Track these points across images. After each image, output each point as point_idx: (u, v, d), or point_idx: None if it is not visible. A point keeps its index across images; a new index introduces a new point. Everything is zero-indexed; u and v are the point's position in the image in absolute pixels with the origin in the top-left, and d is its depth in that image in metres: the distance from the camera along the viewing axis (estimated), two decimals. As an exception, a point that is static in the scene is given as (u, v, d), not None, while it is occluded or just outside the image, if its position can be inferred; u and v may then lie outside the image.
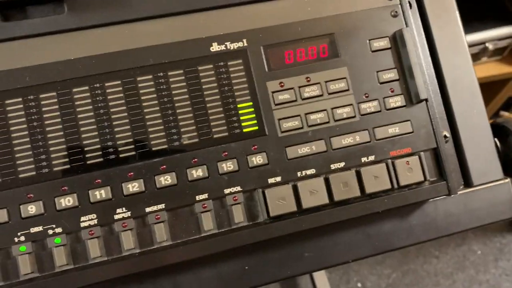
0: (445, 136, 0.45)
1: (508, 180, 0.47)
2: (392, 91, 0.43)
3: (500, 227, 1.59)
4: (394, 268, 1.50)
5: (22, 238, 0.37)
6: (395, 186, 0.42)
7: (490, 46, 1.25)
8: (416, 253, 1.52)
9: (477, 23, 1.22)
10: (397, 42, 0.44)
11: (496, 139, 0.48)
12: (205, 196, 0.40)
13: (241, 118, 0.41)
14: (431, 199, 0.45)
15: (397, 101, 0.43)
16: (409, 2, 0.45)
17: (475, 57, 1.28)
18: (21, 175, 0.38)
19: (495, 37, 1.23)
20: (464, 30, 0.48)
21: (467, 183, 0.47)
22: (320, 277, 1.38)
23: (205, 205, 0.40)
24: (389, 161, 0.42)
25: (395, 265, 1.51)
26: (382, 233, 0.45)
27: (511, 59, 1.32)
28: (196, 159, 0.40)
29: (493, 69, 1.31)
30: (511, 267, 1.52)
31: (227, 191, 0.40)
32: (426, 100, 0.43)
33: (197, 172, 0.40)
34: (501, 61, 1.32)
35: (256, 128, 0.41)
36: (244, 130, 0.41)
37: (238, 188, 0.40)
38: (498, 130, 0.49)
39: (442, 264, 1.52)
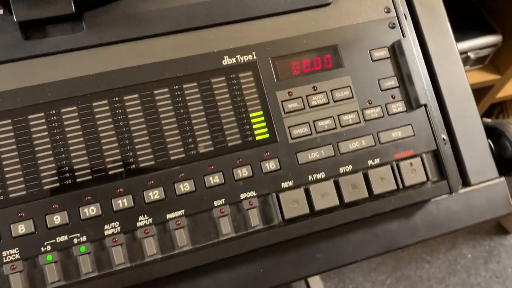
0: (443, 139, 0.48)
1: (503, 179, 0.50)
2: (393, 98, 0.46)
3: (488, 230, 1.64)
4: (388, 275, 1.53)
5: (49, 248, 0.39)
6: (400, 186, 0.45)
7: (472, 55, 1.30)
8: (409, 259, 1.55)
9: (459, 34, 1.27)
10: (396, 52, 0.47)
11: (489, 140, 0.51)
12: (222, 201, 0.42)
13: (253, 126, 0.44)
14: (433, 199, 0.48)
15: (398, 106, 0.46)
16: (404, 14, 0.49)
17: (458, 66, 1.33)
18: (45, 187, 0.39)
19: (476, 46, 1.28)
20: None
21: (465, 182, 0.49)
22: (317, 286, 1.39)
23: (223, 210, 0.42)
24: (394, 163, 0.45)
25: (389, 271, 1.53)
26: (388, 232, 0.48)
27: (492, 67, 1.38)
28: (212, 167, 0.42)
29: (476, 77, 1.36)
30: (501, 269, 1.56)
31: (243, 196, 0.42)
32: (426, 105, 0.46)
33: (214, 179, 0.42)
34: (483, 69, 1.38)
35: (268, 135, 0.44)
36: (257, 137, 0.43)
37: (253, 193, 0.42)
38: (491, 132, 0.52)
39: (434, 268, 1.55)
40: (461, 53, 1.27)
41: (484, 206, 0.50)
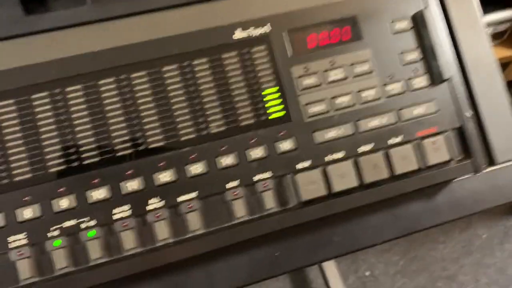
0: (468, 116, 0.45)
1: (530, 157, 0.48)
2: (416, 72, 0.44)
3: (504, 210, 1.61)
4: (401, 255, 1.51)
5: (56, 233, 0.37)
6: (423, 166, 0.42)
7: (489, 30, 1.25)
8: (422, 240, 1.53)
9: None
10: (418, 23, 0.44)
11: (516, 117, 0.48)
12: (235, 183, 0.40)
13: (267, 104, 0.41)
14: (457, 178, 0.45)
15: (421, 81, 0.43)
16: (426, -17, 0.45)
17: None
18: (51, 170, 0.38)
19: (494, 21, 1.23)
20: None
21: (491, 161, 0.47)
22: (330, 267, 1.38)
23: (236, 192, 0.40)
24: (416, 141, 0.42)
25: (402, 252, 1.52)
26: (409, 214, 0.46)
27: (511, 42, 1.33)
28: (224, 147, 0.40)
29: (494, 53, 1.31)
30: (516, 249, 1.53)
31: (256, 177, 0.40)
32: (449, 79, 0.43)
33: (227, 160, 0.40)
34: (501, 45, 1.33)
35: (283, 113, 0.41)
36: (271, 116, 0.41)
37: (268, 174, 0.40)
38: (517, 108, 0.49)
39: (448, 249, 1.53)
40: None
41: (510, 186, 0.47)
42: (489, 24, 1.24)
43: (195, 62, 0.40)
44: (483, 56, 0.48)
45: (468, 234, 1.56)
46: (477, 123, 0.46)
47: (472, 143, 0.43)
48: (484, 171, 0.46)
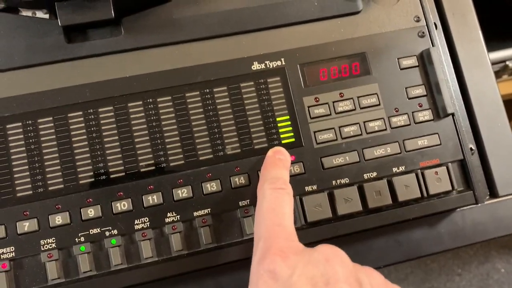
0: (471, 149, 0.48)
1: (532, 191, 0.50)
2: (421, 106, 0.46)
3: (525, 245, 1.58)
4: (416, 286, 1.50)
5: (82, 239, 0.41)
6: (425, 195, 0.45)
7: (510, 64, 1.27)
8: (439, 271, 1.52)
9: (497, 42, 1.24)
10: (424, 60, 0.47)
11: (520, 152, 0.51)
12: (247, 202, 0.43)
13: (280, 130, 0.45)
14: (459, 208, 0.48)
15: (425, 115, 0.46)
16: (434, 23, 0.49)
17: (496, 75, 1.29)
18: (81, 181, 0.42)
19: (502, 58, 1.25)
20: (485, 49, 0.51)
21: (493, 193, 0.49)
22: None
23: (247, 210, 0.43)
24: (419, 171, 0.45)
25: (418, 283, 1.50)
26: (412, 240, 0.48)
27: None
28: (238, 168, 0.44)
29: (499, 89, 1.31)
30: (536, 286, 1.50)
31: (267, 197, 0.43)
32: (453, 114, 0.46)
33: (240, 180, 0.43)
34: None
35: (293, 140, 0.45)
36: (283, 141, 0.45)
37: (278, 195, 0.43)
38: (522, 143, 0.51)
39: (465, 282, 1.51)
40: (499, 62, 1.24)
41: (511, 218, 0.49)
42: (510, 58, 1.26)
43: (216, 89, 0.44)
44: (488, 92, 0.50)
45: (486, 268, 1.54)
46: (480, 157, 0.49)
47: (474, 175, 0.46)
48: (486, 202, 0.48)
